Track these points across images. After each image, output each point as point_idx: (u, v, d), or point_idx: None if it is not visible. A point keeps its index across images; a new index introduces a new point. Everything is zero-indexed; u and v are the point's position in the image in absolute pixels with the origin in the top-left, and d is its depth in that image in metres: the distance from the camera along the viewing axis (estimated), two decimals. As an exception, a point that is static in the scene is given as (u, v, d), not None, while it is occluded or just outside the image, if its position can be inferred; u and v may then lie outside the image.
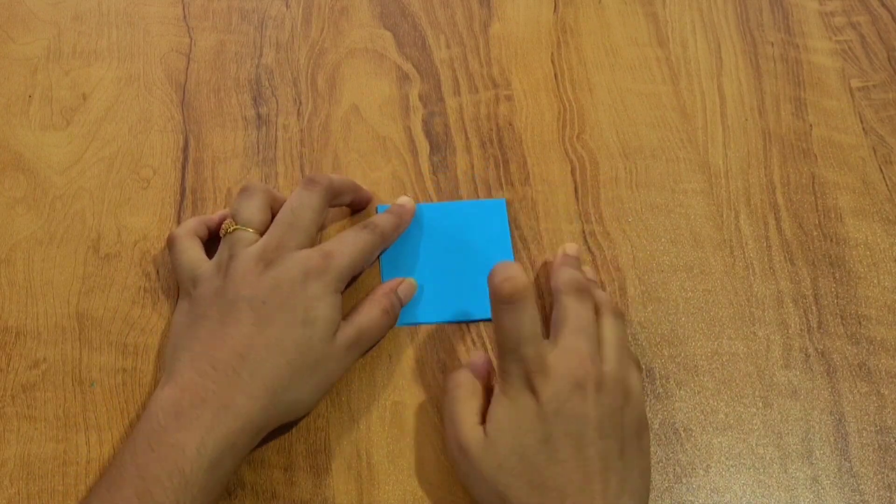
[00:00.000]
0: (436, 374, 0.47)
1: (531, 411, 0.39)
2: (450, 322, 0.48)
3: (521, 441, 0.39)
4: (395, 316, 0.46)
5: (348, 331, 0.44)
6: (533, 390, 0.39)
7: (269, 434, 0.42)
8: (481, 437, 0.40)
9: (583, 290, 0.44)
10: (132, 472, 0.37)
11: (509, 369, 0.40)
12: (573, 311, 0.43)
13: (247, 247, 0.44)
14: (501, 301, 0.40)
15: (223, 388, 0.39)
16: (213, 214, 0.49)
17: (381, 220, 0.48)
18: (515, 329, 0.40)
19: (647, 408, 0.46)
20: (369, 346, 0.46)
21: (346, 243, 0.45)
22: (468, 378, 0.43)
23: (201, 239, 0.47)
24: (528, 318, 0.40)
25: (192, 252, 0.46)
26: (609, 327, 0.43)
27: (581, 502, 0.37)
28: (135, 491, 0.36)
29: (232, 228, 0.45)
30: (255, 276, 0.42)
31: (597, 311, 0.44)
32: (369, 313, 0.45)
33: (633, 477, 0.40)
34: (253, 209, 0.45)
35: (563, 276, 0.45)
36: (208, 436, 0.38)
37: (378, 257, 0.49)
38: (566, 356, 0.40)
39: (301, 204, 0.45)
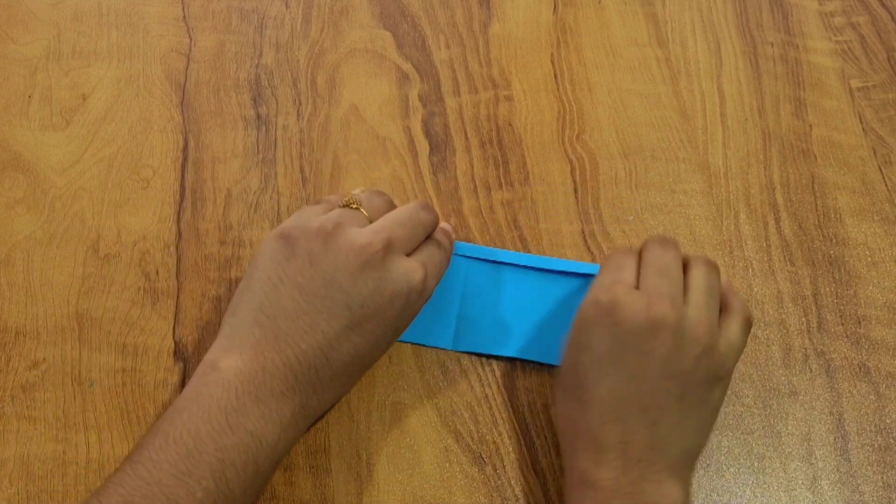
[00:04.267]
0: (436, 374, 0.47)
1: (593, 332, 0.40)
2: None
3: (577, 357, 0.41)
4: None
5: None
6: (607, 316, 0.40)
7: None
8: (564, 350, 0.42)
9: (667, 240, 0.45)
10: (211, 450, 0.36)
11: (597, 297, 0.42)
12: (655, 255, 0.43)
13: (356, 227, 0.41)
14: (613, 254, 0.44)
15: (303, 385, 0.38)
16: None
17: (443, 238, 0.46)
18: (616, 271, 0.43)
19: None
20: None
21: (436, 260, 0.44)
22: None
23: None
24: (629, 269, 0.43)
25: (318, 207, 0.44)
26: (697, 275, 0.43)
27: (619, 430, 0.38)
28: (211, 472, 0.35)
29: (354, 206, 0.43)
30: (358, 267, 0.39)
31: (686, 263, 0.44)
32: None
33: (688, 424, 0.40)
34: (379, 205, 0.44)
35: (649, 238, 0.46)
36: (284, 434, 0.38)
37: None
38: (645, 294, 0.41)
39: (419, 216, 0.43)
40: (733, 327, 0.42)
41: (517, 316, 0.48)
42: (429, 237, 0.45)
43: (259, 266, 0.41)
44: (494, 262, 0.49)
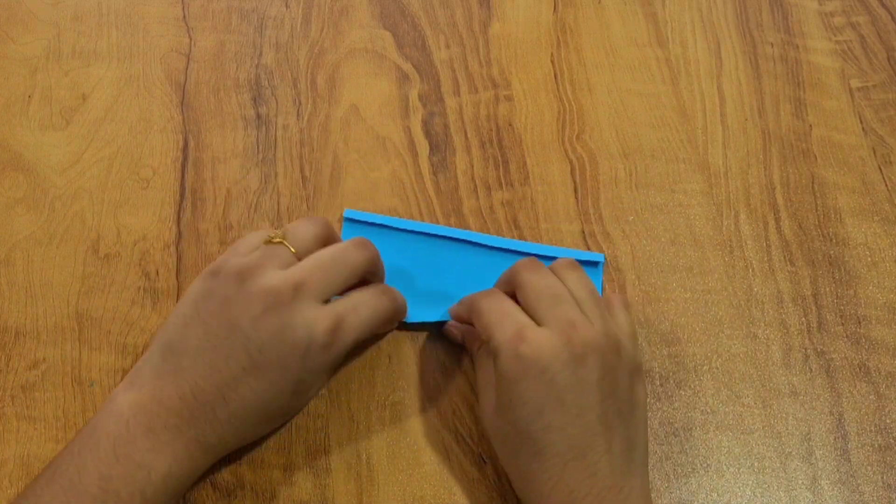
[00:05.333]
0: (436, 374, 0.47)
1: (522, 388, 0.39)
2: None
3: (514, 415, 0.39)
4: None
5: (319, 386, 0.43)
6: (532, 366, 0.38)
7: None
8: (492, 408, 0.41)
9: (533, 262, 0.43)
10: (94, 480, 0.35)
11: (498, 353, 0.40)
12: (535, 281, 0.42)
13: (278, 267, 0.40)
14: (482, 303, 0.42)
15: (199, 420, 0.38)
16: None
17: (398, 293, 0.45)
18: (493, 310, 0.41)
19: (647, 408, 0.46)
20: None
21: (363, 312, 0.41)
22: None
23: None
24: (512, 307, 0.42)
25: (255, 237, 0.43)
26: (574, 283, 0.42)
27: (583, 467, 0.38)
28: (93, 499, 0.35)
29: (277, 240, 0.42)
30: (261, 311, 0.39)
31: (555, 273, 0.43)
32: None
33: (633, 433, 0.40)
34: (309, 236, 0.43)
35: (508, 271, 0.44)
36: (176, 465, 0.37)
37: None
38: (556, 328, 0.39)
39: (346, 257, 0.42)
40: (621, 316, 0.43)
41: None
42: (370, 282, 0.44)
43: (181, 303, 0.41)
44: (492, 247, 0.50)
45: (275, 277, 0.39)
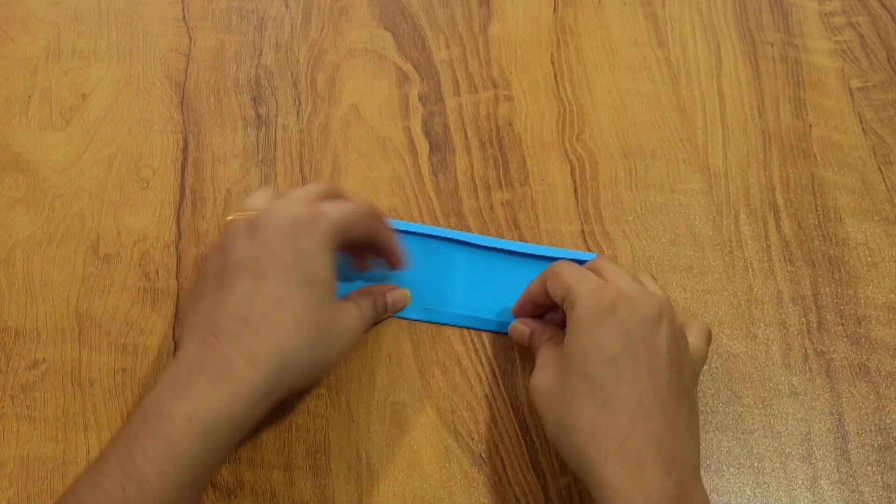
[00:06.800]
0: (436, 374, 0.47)
1: (599, 333, 0.39)
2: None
3: (587, 362, 0.39)
4: (376, 316, 0.46)
5: (353, 308, 0.43)
6: (611, 314, 0.39)
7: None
8: (553, 374, 0.40)
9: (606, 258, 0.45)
10: (120, 442, 0.35)
11: (577, 301, 0.40)
12: (604, 264, 0.43)
13: None
14: (562, 268, 0.43)
15: (222, 354, 0.37)
16: None
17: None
18: (572, 271, 0.42)
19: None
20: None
21: (339, 203, 0.43)
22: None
23: None
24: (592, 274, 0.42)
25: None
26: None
27: (651, 428, 0.37)
28: (117, 458, 0.35)
29: (230, 217, 0.43)
30: (246, 242, 0.40)
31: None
32: (362, 302, 0.45)
33: (693, 422, 0.39)
34: (259, 198, 0.44)
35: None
36: (200, 403, 0.36)
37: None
38: (632, 292, 0.40)
39: (299, 188, 0.44)
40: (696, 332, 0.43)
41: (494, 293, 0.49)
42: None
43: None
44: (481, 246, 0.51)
45: (242, 222, 0.42)
